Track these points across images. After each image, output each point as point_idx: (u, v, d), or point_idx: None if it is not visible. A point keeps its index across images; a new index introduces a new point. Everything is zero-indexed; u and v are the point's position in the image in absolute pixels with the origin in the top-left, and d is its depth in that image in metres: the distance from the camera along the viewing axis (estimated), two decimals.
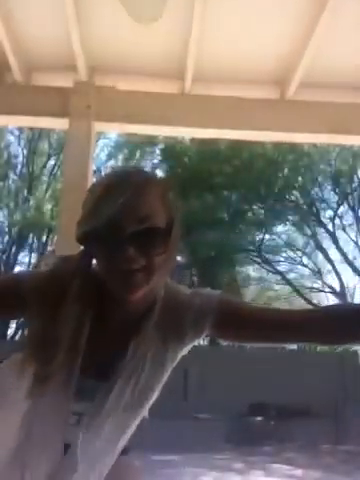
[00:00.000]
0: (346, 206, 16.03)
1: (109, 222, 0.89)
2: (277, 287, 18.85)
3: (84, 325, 0.95)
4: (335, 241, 15.93)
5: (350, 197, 15.71)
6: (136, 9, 2.09)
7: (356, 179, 15.31)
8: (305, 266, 17.32)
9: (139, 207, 0.92)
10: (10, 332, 16.99)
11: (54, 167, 16.00)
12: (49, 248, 16.06)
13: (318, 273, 17.18)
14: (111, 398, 0.96)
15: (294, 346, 22.19)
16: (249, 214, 15.93)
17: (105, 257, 0.94)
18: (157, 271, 0.93)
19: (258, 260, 16.78)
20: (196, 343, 1.05)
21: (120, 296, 0.94)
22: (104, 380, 0.96)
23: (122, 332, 0.98)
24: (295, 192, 15.65)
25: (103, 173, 16.06)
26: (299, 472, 8.53)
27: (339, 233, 16.10)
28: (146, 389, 1.00)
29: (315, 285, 17.98)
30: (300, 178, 15.33)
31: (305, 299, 17.54)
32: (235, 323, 1.00)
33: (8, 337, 16.46)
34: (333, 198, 15.89)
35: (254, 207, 15.73)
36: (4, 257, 16.48)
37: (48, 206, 15.38)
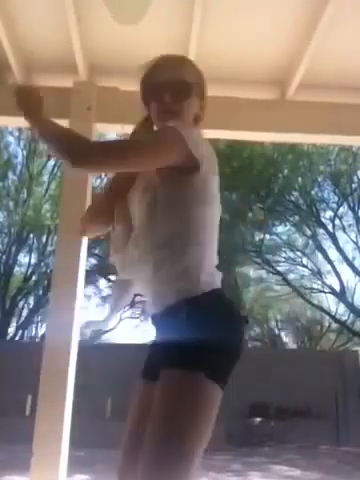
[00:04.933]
0: (346, 207, 16.03)
1: (156, 80, 1.56)
2: (277, 287, 18.85)
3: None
4: (335, 241, 15.92)
5: (350, 198, 15.70)
6: (119, 10, 2.08)
7: (356, 179, 15.29)
8: (305, 266, 17.32)
9: (173, 68, 1.59)
10: (10, 331, 16.98)
11: (54, 167, 16.00)
12: (49, 248, 16.05)
13: (318, 273, 17.17)
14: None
15: (294, 346, 22.20)
16: (249, 214, 15.92)
17: (154, 101, 1.56)
18: (182, 113, 1.56)
19: (258, 260, 16.77)
20: None
21: (161, 125, 1.55)
22: None
23: None
24: (295, 192, 15.64)
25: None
26: (299, 473, 8.52)
27: (339, 233, 16.11)
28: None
29: (315, 285, 17.98)
30: (300, 178, 15.32)
31: (305, 299, 17.54)
32: None
33: (8, 337, 16.46)
34: (333, 198, 15.90)
35: (254, 207, 15.72)
36: (4, 257, 16.46)
37: (48, 206, 15.37)
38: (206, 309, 1.34)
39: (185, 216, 1.42)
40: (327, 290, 17.33)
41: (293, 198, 15.73)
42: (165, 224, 1.41)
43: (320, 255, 16.82)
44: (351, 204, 15.88)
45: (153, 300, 1.43)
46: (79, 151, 1.37)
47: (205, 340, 1.28)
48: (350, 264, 16.20)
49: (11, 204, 15.71)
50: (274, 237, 17.00)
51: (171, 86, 1.54)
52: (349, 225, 16.30)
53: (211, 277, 1.41)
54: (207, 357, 1.29)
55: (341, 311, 18.87)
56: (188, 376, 1.27)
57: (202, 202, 1.43)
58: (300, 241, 17.32)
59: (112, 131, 11.66)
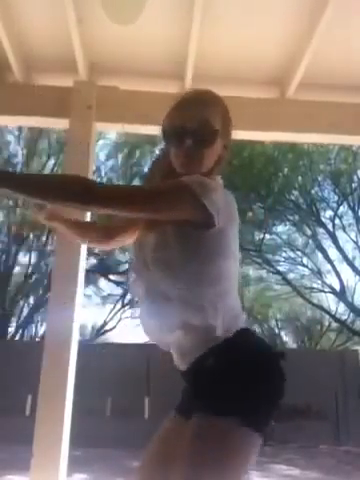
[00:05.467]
0: (346, 206, 16.02)
1: (177, 122, 1.41)
2: (277, 287, 18.84)
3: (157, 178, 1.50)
4: (335, 241, 15.91)
5: (350, 197, 15.69)
6: (114, 10, 2.08)
7: (356, 179, 15.28)
8: (305, 266, 17.31)
9: (201, 112, 1.42)
10: (10, 331, 16.99)
11: (54, 167, 15.99)
12: (49, 248, 16.05)
13: (318, 273, 17.16)
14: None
15: (294, 345, 22.21)
16: (249, 213, 15.91)
17: (174, 146, 1.42)
18: (203, 160, 1.41)
19: (258, 260, 16.76)
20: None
21: (179, 171, 1.41)
22: None
23: None
24: (295, 191, 15.63)
25: (103, 172, 16.05)
26: (298, 472, 8.53)
27: (339, 233, 16.10)
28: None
29: (315, 285, 17.97)
30: (300, 178, 15.31)
31: (305, 299, 17.53)
32: None
33: (8, 336, 16.46)
34: (333, 198, 15.88)
35: (254, 207, 15.71)
36: (4, 257, 16.46)
37: (47, 206, 15.35)
38: (232, 353, 1.28)
39: (200, 273, 1.34)
40: (327, 289, 17.33)
41: (293, 197, 15.71)
42: (180, 280, 1.34)
43: (320, 255, 16.81)
44: (351, 203, 15.87)
45: (178, 358, 1.37)
46: (86, 188, 1.27)
47: (235, 385, 1.23)
48: (350, 263, 16.19)
49: (11, 203, 15.71)
50: (274, 236, 17.00)
51: (194, 132, 1.40)
52: (349, 224, 16.29)
53: (232, 321, 1.34)
54: (239, 402, 1.22)
55: (341, 310, 18.88)
56: (219, 423, 1.19)
57: (218, 256, 1.37)
58: (300, 240, 17.31)
59: (112, 130, 11.64)
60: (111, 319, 19.33)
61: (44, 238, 16.40)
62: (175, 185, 1.32)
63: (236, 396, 1.23)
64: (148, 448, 1.43)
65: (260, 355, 1.31)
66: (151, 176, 1.56)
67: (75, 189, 1.26)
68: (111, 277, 17.92)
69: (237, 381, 1.24)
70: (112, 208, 1.31)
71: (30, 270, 16.84)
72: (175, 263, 1.35)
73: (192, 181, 1.29)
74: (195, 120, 1.40)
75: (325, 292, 17.90)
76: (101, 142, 15.23)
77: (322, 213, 16.06)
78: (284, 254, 17.41)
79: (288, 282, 17.00)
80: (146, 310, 1.41)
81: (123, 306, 18.94)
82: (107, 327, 19.49)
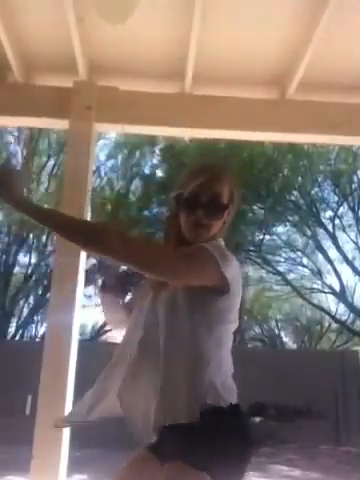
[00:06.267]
0: (346, 206, 16.01)
1: (193, 192, 1.54)
2: (277, 287, 18.83)
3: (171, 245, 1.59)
4: (335, 241, 15.91)
5: (350, 197, 15.68)
6: (106, 8, 2.07)
7: (356, 179, 15.27)
8: (305, 266, 17.30)
9: (214, 187, 1.56)
10: (10, 331, 16.98)
11: (54, 167, 15.99)
12: (49, 248, 16.05)
13: (318, 273, 17.15)
14: None
15: (294, 346, 22.19)
16: (249, 214, 15.91)
17: (185, 214, 1.56)
18: (211, 229, 1.55)
19: (258, 260, 16.75)
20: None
21: (189, 239, 1.55)
22: None
23: None
24: (295, 192, 15.62)
25: (103, 172, 16.03)
26: (298, 473, 8.52)
27: (339, 233, 16.09)
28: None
29: (315, 285, 17.96)
30: (300, 178, 15.30)
31: (305, 299, 17.52)
32: None
33: (8, 337, 16.45)
34: (333, 198, 15.87)
35: (254, 207, 15.70)
36: (4, 257, 16.46)
37: (48, 206, 15.36)
38: (221, 421, 1.38)
39: (206, 336, 1.44)
40: (327, 290, 17.32)
41: (293, 198, 15.71)
42: (185, 341, 1.43)
43: (320, 255, 16.80)
44: (351, 204, 15.86)
45: (162, 411, 1.41)
46: (120, 242, 1.34)
47: (216, 443, 1.34)
48: (350, 264, 16.18)
49: None
50: (274, 237, 16.99)
51: (206, 205, 1.54)
52: (349, 225, 16.28)
53: (227, 392, 1.44)
54: (215, 461, 1.32)
55: (341, 311, 18.87)
56: (194, 473, 1.31)
57: (225, 321, 1.48)
58: (300, 241, 17.30)
59: (112, 131, 11.63)
60: None
61: (44, 238, 16.40)
62: (200, 253, 1.41)
63: (214, 454, 1.33)
64: (118, 475, 1.52)
65: (244, 435, 1.43)
66: (167, 234, 1.67)
67: (110, 242, 1.33)
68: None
69: (219, 442, 1.35)
70: (137, 267, 1.38)
71: (30, 270, 16.83)
72: (186, 325, 1.43)
73: (213, 249, 1.41)
74: (208, 195, 1.55)
75: (325, 292, 17.90)
76: (101, 142, 15.23)
77: (322, 213, 16.06)
78: (284, 254, 17.41)
79: (288, 282, 16.99)
80: (136, 366, 1.46)
81: None
82: (107, 327, 19.48)
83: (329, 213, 16.13)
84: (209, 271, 1.39)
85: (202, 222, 1.54)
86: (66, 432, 2.22)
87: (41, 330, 18.31)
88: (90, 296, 18.71)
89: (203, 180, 1.56)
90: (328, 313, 18.43)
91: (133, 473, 1.50)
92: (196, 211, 1.53)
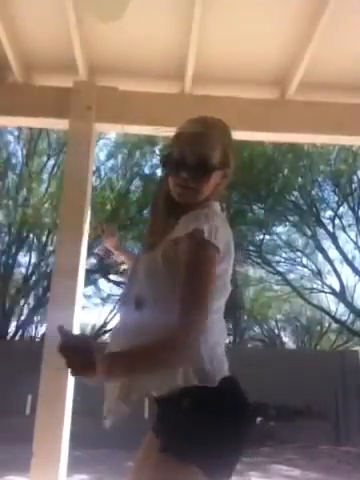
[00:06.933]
0: (346, 206, 16.00)
1: (179, 153, 1.42)
2: (277, 287, 18.83)
3: (160, 208, 1.53)
4: (335, 241, 15.90)
5: (350, 197, 15.68)
6: (99, 7, 2.06)
7: (356, 179, 15.27)
8: (305, 266, 17.30)
9: (200, 147, 1.42)
10: (10, 331, 16.97)
11: (54, 167, 15.98)
12: (49, 248, 16.04)
13: (318, 273, 17.15)
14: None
15: (294, 346, 22.19)
16: (249, 214, 15.92)
17: (171, 176, 1.45)
18: (200, 191, 1.43)
19: (258, 260, 16.76)
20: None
21: (179, 202, 1.45)
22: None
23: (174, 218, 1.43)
24: (295, 192, 15.63)
25: (103, 172, 16.02)
26: (298, 473, 8.52)
27: (339, 233, 16.09)
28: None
29: (315, 285, 17.97)
30: (300, 178, 15.31)
31: (305, 299, 17.52)
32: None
33: (8, 336, 16.45)
34: (333, 198, 15.87)
35: (254, 207, 15.71)
36: (3, 257, 16.46)
37: (48, 206, 15.36)
38: (212, 401, 1.29)
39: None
40: (327, 290, 17.32)
41: (293, 198, 15.71)
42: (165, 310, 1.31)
43: (320, 255, 16.80)
44: (351, 204, 15.86)
45: (159, 380, 1.32)
46: (183, 342, 1.23)
47: (207, 433, 1.25)
48: (350, 264, 16.18)
49: (11, 203, 15.70)
50: (274, 237, 16.99)
51: (191, 167, 1.41)
52: (349, 225, 16.28)
53: (220, 366, 1.35)
54: (203, 451, 1.24)
55: (341, 311, 18.86)
56: (178, 464, 1.22)
57: (217, 298, 1.37)
58: (300, 241, 17.30)
59: (112, 131, 11.61)
60: (111, 319, 19.34)
61: (44, 238, 16.39)
62: (203, 259, 1.30)
63: (201, 442, 1.24)
64: (132, 469, 1.46)
65: (237, 410, 1.33)
66: (155, 204, 1.58)
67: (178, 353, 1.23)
68: (111, 277, 17.90)
69: (207, 430, 1.25)
70: (202, 320, 1.26)
71: (30, 270, 16.83)
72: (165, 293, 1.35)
73: (208, 232, 1.29)
74: (194, 156, 1.41)
75: (325, 292, 17.90)
76: (101, 142, 15.23)
77: (322, 213, 16.06)
78: (284, 254, 17.41)
79: (288, 282, 17.00)
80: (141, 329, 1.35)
81: None
82: (107, 327, 19.49)
83: (329, 213, 16.14)
84: (214, 261, 1.31)
85: (188, 185, 1.41)
86: (66, 432, 2.22)
87: (41, 330, 18.32)
88: (90, 296, 18.76)
89: (190, 139, 1.43)
90: (328, 313, 18.43)
91: (139, 461, 1.43)
92: (181, 173, 1.41)
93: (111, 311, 19.32)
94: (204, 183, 1.43)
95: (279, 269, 17.18)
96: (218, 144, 1.46)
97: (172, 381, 1.29)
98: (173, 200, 1.47)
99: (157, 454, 1.27)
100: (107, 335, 19.61)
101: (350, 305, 17.10)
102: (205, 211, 1.38)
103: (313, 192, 15.71)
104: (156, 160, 15.87)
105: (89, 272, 14.77)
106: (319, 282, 17.53)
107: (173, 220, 1.43)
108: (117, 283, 17.90)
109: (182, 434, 1.25)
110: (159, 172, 16.14)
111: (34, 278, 16.87)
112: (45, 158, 16.11)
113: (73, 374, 1.23)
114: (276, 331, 22.66)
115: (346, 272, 23.70)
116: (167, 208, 1.50)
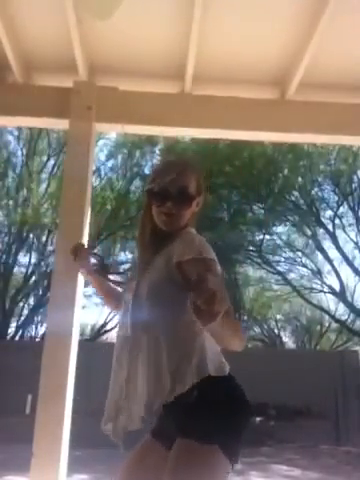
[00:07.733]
0: (346, 206, 15.99)
1: (163, 187, 1.69)
2: (277, 287, 18.83)
3: (147, 234, 1.75)
4: (335, 241, 15.89)
5: (350, 197, 15.67)
6: (91, 3, 2.05)
7: (356, 179, 15.27)
8: (305, 266, 17.30)
9: (181, 181, 1.70)
10: (10, 331, 16.97)
11: (54, 167, 15.98)
12: (49, 248, 16.05)
13: (318, 273, 17.14)
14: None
15: (294, 346, 22.19)
16: (249, 214, 15.91)
17: (156, 205, 1.71)
18: (182, 218, 1.70)
19: (258, 260, 16.75)
20: None
21: (163, 228, 1.70)
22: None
23: (161, 243, 1.67)
24: (295, 192, 15.62)
25: (103, 172, 16.02)
26: (299, 473, 8.52)
27: (339, 233, 16.07)
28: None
29: (315, 285, 17.96)
30: (300, 178, 15.30)
31: (305, 299, 17.52)
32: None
33: (8, 337, 16.45)
34: (333, 198, 15.86)
35: (254, 207, 15.71)
36: (3, 257, 16.46)
37: (48, 206, 15.37)
38: (216, 391, 1.45)
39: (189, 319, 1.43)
40: (327, 290, 17.31)
41: (293, 198, 15.70)
42: (171, 326, 1.52)
43: (320, 255, 16.79)
44: (351, 204, 15.85)
45: (158, 389, 1.47)
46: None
47: (219, 416, 1.41)
48: (350, 264, 16.17)
49: (11, 203, 15.70)
50: (274, 237, 16.98)
51: (174, 197, 1.68)
52: (349, 225, 16.27)
53: (218, 363, 1.51)
54: (221, 432, 1.40)
55: (341, 311, 18.85)
56: (203, 448, 1.37)
57: None
58: (300, 241, 17.29)
59: (112, 131, 11.63)
60: (111, 319, 19.33)
61: (44, 238, 16.40)
62: (215, 270, 1.49)
63: (219, 426, 1.41)
64: (123, 468, 1.58)
65: (238, 401, 1.51)
66: (142, 227, 1.79)
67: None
68: (111, 277, 17.89)
69: (220, 414, 1.42)
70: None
71: (30, 270, 16.83)
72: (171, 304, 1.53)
73: (204, 249, 1.53)
74: (176, 188, 1.68)
75: (325, 292, 17.88)
76: (101, 142, 15.22)
77: (322, 213, 16.05)
78: (284, 254, 17.40)
79: (288, 282, 16.99)
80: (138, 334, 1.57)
81: None
82: (107, 327, 19.49)
83: (329, 213, 16.12)
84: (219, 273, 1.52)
85: (172, 212, 1.68)
86: (66, 431, 2.22)
87: (41, 330, 18.31)
88: (90, 296, 18.75)
89: (172, 175, 1.70)
90: (328, 313, 18.43)
91: (136, 463, 1.56)
92: (166, 203, 1.68)
93: (111, 311, 19.31)
94: (186, 210, 1.70)
95: (279, 269, 17.17)
96: (194, 178, 1.74)
97: (189, 379, 1.45)
98: (157, 228, 1.72)
99: (180, 441, 1.40)
100: (107, 335, 19.62)
101: (350, 305, 17.09)
102: (193, 236, 1.62)
103: (313, 192, 15.70)
104: (156, 160, 15.88)
105: None
106: (319, 282, 17.52)
107: (159, 243, 1.67)
108: (117, 283, 17.87)
109: (202, 420, 1.40)
110: None
111: (34, 278, 16.87)
112: (45, 158, 16.11)
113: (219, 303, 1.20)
114: (276, 331, 22.65)
115: (346, 272, 23.69)
116: (154, 234, 1.73)
